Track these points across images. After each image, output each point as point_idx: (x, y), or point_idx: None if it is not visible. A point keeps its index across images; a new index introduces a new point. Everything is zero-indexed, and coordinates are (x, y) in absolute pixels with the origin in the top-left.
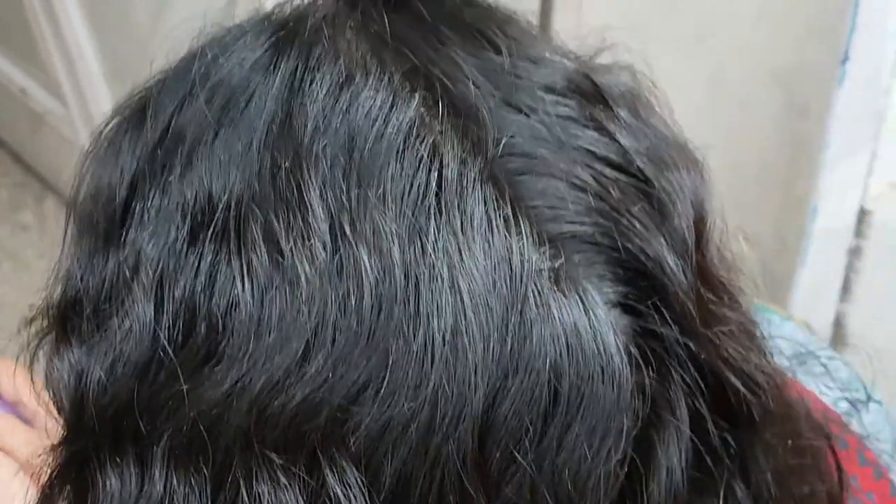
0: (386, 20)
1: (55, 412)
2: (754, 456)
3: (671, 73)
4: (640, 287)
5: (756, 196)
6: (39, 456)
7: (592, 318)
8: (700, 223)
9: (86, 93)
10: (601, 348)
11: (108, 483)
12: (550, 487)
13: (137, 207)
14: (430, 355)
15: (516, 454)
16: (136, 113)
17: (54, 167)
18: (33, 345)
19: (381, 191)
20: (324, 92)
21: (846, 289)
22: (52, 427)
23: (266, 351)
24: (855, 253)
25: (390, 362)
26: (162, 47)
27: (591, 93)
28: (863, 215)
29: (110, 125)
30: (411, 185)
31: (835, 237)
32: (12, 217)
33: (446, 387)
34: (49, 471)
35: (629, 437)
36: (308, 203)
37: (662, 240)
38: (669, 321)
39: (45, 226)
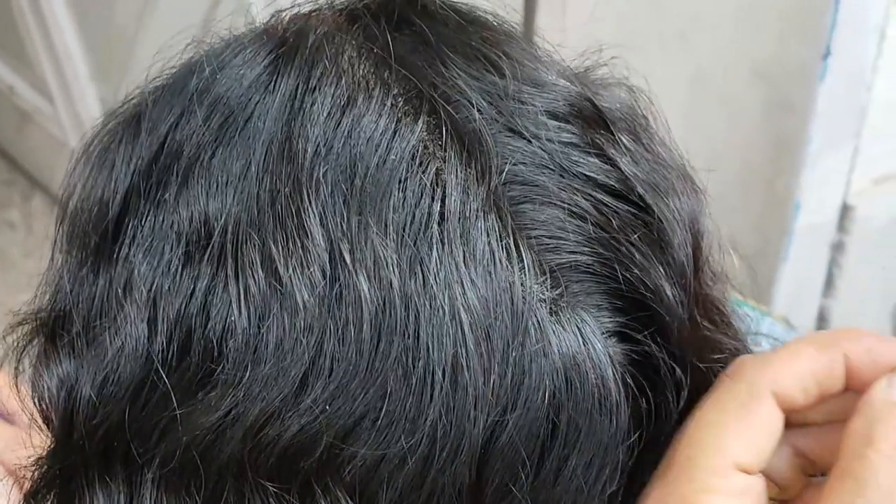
0: (389, 39)
1: (41, 422)
2: None
3: (654, 70)
4: (638, 317)
5: (739, 192)
6: (25, 461)
7: (591, 350)
8: (697, 248)
9: (72, 91)
10: (599, 381)
11: (95, 501)
12: None
13: (131, 224)
14: (429, 388)
15: (512, 487)
16: (130, 122)
17: (41, 164)
18: (18, 351)
19: (382, 219)
20: (325, 114)
21: (829, 284)
22: (35, 433)
23: (262, 379)
24: (837, 248)
25: (388, 394)
26: (145, 47)
27: (592, 117)
28: (845, 211)
29: (103, 131)
30: (413, 214)
31: (817, 233)
32: (0, 215)
33: (445, 420)
34: (35, 481)
35: (625, 469)
36: (308, 229)
37: (661, 269)
38: (666, 351)
39: (31, 224)
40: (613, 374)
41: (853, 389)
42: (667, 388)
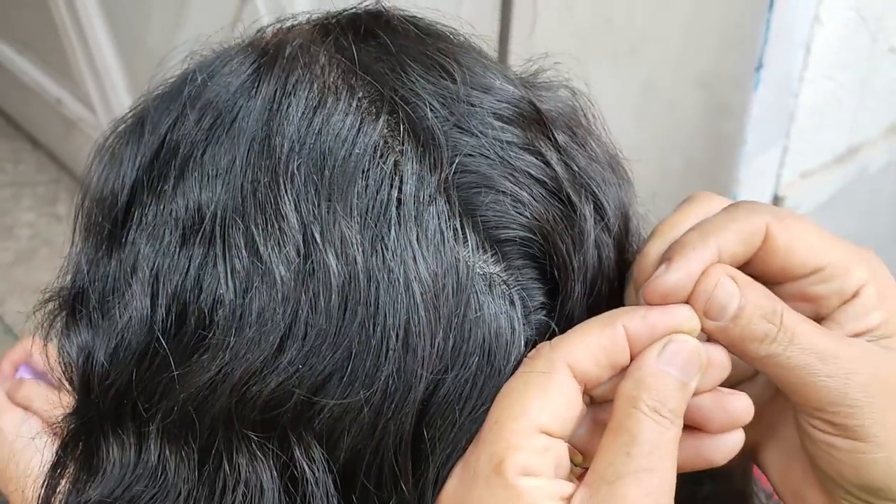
0: (354, 50)
1: (66, 384)
2: None
3: (609, 80)
4: (559, 291)
5: (683, 185)
6: (57, 420)
7: (515, 322)
8: (625, 227)
9: (111, 102)
10: (515, 348)
11: (111, 451)
12: None
13: (136, 212)
14: (385, 349)
15: (445, 434)
16: (135, 125)
17: (84, 166)
18: (46, 324)
19: (348, 204)
20: (299, 115)
21: None
22: (64, 394)
23: (246, 343)
24: None
25: (352, 354)
26: (173, 63)
27: (533, 119)
28: (776, 201)
29: (113, 134)
30: (375, 200)
31: None
32: (48, 209)
33: (396, 377)
34: (62, 435)
35: None
36: (284, 214)
37: (581, 259)
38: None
39: None
40: (526, 342)
41: None
42: None
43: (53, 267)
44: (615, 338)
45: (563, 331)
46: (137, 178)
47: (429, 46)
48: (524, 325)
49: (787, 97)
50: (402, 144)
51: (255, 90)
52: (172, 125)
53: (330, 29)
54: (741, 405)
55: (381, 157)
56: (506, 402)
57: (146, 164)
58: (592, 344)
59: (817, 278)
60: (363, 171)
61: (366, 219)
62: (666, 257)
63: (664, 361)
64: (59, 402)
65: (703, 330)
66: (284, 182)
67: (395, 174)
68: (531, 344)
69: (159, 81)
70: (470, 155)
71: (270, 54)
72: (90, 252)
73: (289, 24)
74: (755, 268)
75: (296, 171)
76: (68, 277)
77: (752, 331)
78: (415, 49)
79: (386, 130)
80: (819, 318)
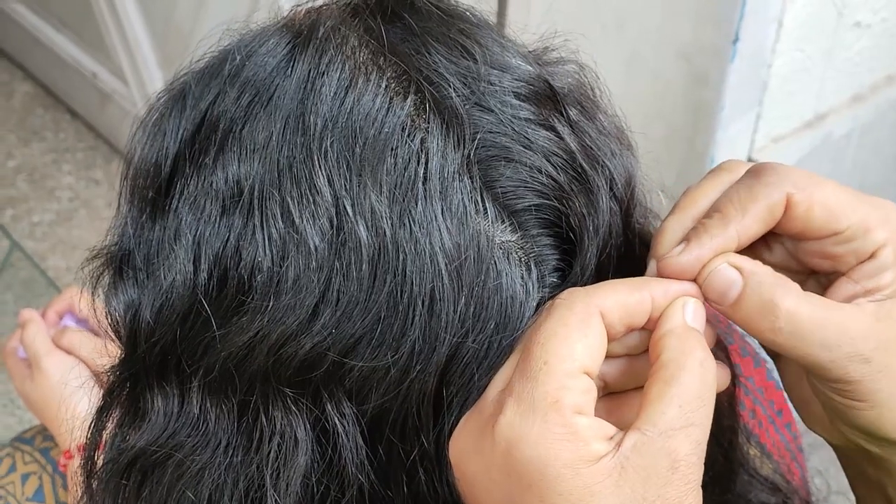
0: (382, 31)
1: (113, 336)
2: None
3: (597, 52)
4: (576, 254)
5: (665, 149)
6: (103, 367)
7: (531, 286)
8: (630, 191)
9: (143, 75)
10: (531, 309)
11: (155, 401)
12: None
13: (179, 183)
14: (411, 315)
15: (462, 390)
16: (177, 98)
17: (119, 135)
18: (93, 279)
19: (378, 179)
20: (331, 94)
21: None
22: (110, 344)
23: (283, 308)
24: None
25: (381, 319)
26: (200, 39)
27: (547, 96)
28: (750, 163)
29: (156, 106)
30: (403, 176)
31: None
32: (86, 173)
33: (421, 340)
34: (109, 382)
35: None
36: (318, 188)
37: (595, 222)
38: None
39: (112, 181)
40: (539, 303)
41: (648, 328)
42: None
43: (92, 226)
44: (643, 300)
45: None
46: (180, 151)
47: (451, 27)
48: (538, 288)
49: (761, 68)
50: (428, 123)
51: (290, 70)
52: (213, 101)
53: (359, 10)
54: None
55: (408, 135)
56: (552, 344)
57: (188, 136)
58: (622, 300)
59: (836, 240)
60: (392, 149)
61: (394, 193)
62: (686, 238)
63: (692, 320)
64: (101, 349)
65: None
66: (318, 158)
67: (422, 151)
68: (543, 304)
69: (198, 57)
70: (490, 132)
71: (304, 35)
72: (135, 217)
73: (320, 2)
74: (777, 229)
75: (329, 148)
76: (114, 238)
77: (752, 316)
78: (437, 30)
79: (412, 110)
80: (837, 274)
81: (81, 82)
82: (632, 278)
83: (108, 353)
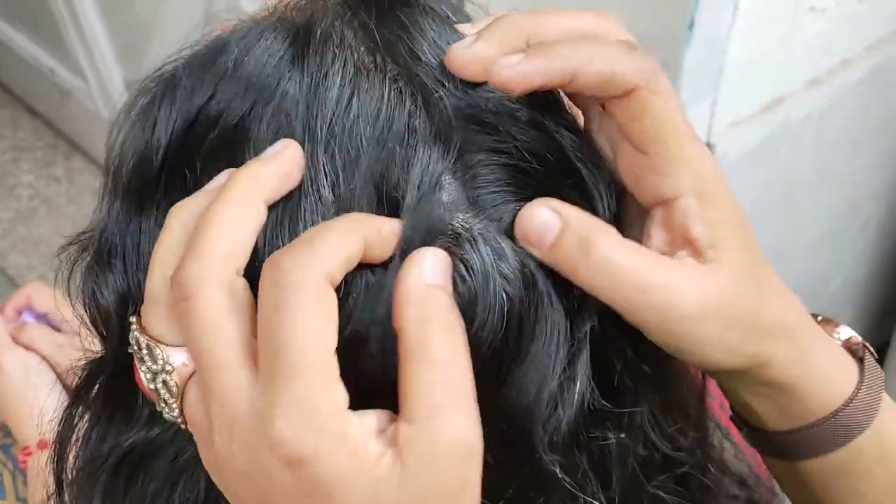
0: (377, 29)
1: (94, 329)
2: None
3: None
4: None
5: None
6: (76, 362)
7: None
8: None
9: (102, 71)
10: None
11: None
12: None
13: (169, 178)
14: None
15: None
16: (168, 88)
17: (79, 131)
18: (66, 269)
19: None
20: (335, 99)
21: None
22: (84, 335)
23: None
24: None
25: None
26: (161, 34)
27: (543, 97)
28: (708, 148)
29: (142, 92)
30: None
31: None
32: (46, 171)
33: None
34: (85, 377)
35: None
36: (322, 196)
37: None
38: None
39: (72, 178)
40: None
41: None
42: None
43: (53, 224)
44: (360, 248)
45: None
46: (170, 144)
47: (445, 24)
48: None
49: (717, 53)
50: (424, 129)
51: (290, 72)
52: (209, 98)
53: (352, 4)
54: None
55: (408, 144)
56: (299, 338)
57: (180, 131)
58: (343, 255)
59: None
60: (393, 154)
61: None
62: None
63: (435, 276)
64: (62, 344)
65: (530, 255)
66: (322, 160)
67: (414, 156)
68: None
69: (185, 45)
70: (477, 145)
71: (302, 35)
72: (119, 213)
73: None
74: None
75: (335, 153)
76: (98, 228)
77: (569, 257)
78: (432, 29)
79: (410, 118)
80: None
81: (40, 79)
82: (342, 219)
83: (79, 347)
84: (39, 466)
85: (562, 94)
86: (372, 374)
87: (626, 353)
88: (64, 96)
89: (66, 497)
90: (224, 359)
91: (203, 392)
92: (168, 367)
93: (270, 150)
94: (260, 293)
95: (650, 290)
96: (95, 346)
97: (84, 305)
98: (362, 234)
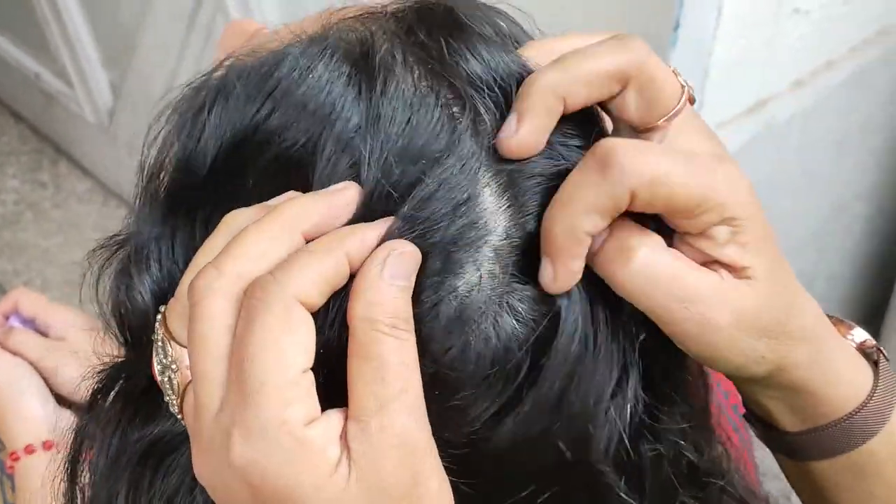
0: (435, 51)
1: (117, 329)
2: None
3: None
4: None
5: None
6: (96, 365)
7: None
8: None
9: (87, 76)
10: None
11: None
12: None
13: (216, 187)
14: None
15: None
16: (220, 95)
17: (64, 136)
18: (94, 273)
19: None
20: (394, 126)
21: None
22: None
23: None
24: None
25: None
26: (144, 39)
27: (589, 118)
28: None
29: (190, 96)
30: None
31: None
32: (31, 176)
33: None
34: (106, 378)
35: None
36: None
37: None
38: None
39: (58, 183)
40: None
41: None
42: None
43: (39, 229)
44: (340, 264)
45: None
46: (220, 152)
47: (498, 46)
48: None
49: (702, 55)
50: (482, 151)
51: (352, 99)
52: (267, 114)
53: (408, 22)
54: None
55: (470, 174)
56: (263, 359)
57: (231, 140)
58: (318, 275)
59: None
60: (447, 179)
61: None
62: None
63: (390, 275)
64: (49, 346)
65: None
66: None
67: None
68: None
69: (241, 52)
70: (532, 175)
71: (360, 60)
72: (159, 210)
73: (354, 10)
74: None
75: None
76: (131, 230)
77: (610, 259)
78: (486, 51)
79: (473, 149)
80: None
81: (24, 84)
82: (324, 238)
83: (66, 351)
84: (30, 470)
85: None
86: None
87: (668, 364)
88: (49, 101)
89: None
90: (210, 372)
91: (196, 402)
92: (174, 366)
93: (331, 189)
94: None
95: (690, 301)
96: (85, 347)
97: (114, 308)
98: (343, 250)
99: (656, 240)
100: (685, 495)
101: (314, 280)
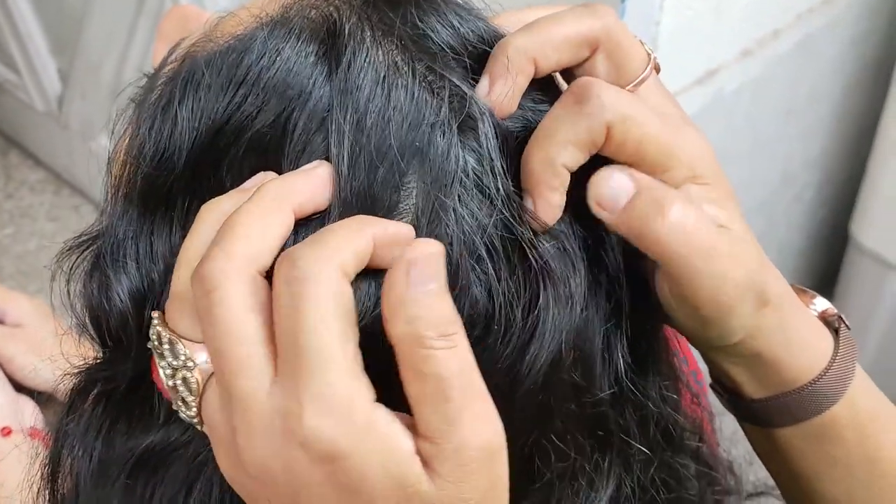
0: (402, 28)
1: (93, 331)
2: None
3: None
4: None
5: None
6: (67, 369)
7: None
8: None
9: (35, 64)
10: None
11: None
12: None
13: (192, 180)
14: None
15: None
16: (189, 86)
17: (14, 125)
18: (64, 275)
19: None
20: (366, 100)
21: None
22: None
23: None
24: None
25: None
26: (91, 25)
27: (549, 83)
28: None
29: (157, 86)
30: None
31: None
32: None
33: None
34: (79, 382)
35: None
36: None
37: None
38: None
39: (9, 173)
40: None
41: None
42: None
43: None
44: (368, 244)
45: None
46: (195, 145)
47: (467, 12)
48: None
49: (650, 25)
50: (452, 129)
51: (321, 77)
52: (239, 102)
53: (373, 1)
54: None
55: (442, 133)
56: (323, 329)
57: (205, 131)
58: (354, 251)
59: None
60: (432, 146)
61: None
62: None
63: (418, 282)
64: (5, 334)
65: (595, 221)
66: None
67: (456, 145)
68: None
69: (196, 39)
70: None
71: (327, 38)
72: (134, 207)
73: None
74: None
75: (364, 157)
76: (103, 229)
77: (641, 218)
78: (455, 17)
79: (445, 113)
80: None
81: None
82: (350, 219)
83: (21, 338)
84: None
85: (557, 76)
86: (386, 369)
87: (649, 328)
88: None
89: None
90: (246, 358)
91: (224, 395)
92: (190, 364)
93: (305, 167)
94: (274, 290)
95: (715, 257)
96: (41, 335)
97: (90, 309)
98: (370, 231)
99: (685, 194)
100: (667, 455)
101: (353, 253)
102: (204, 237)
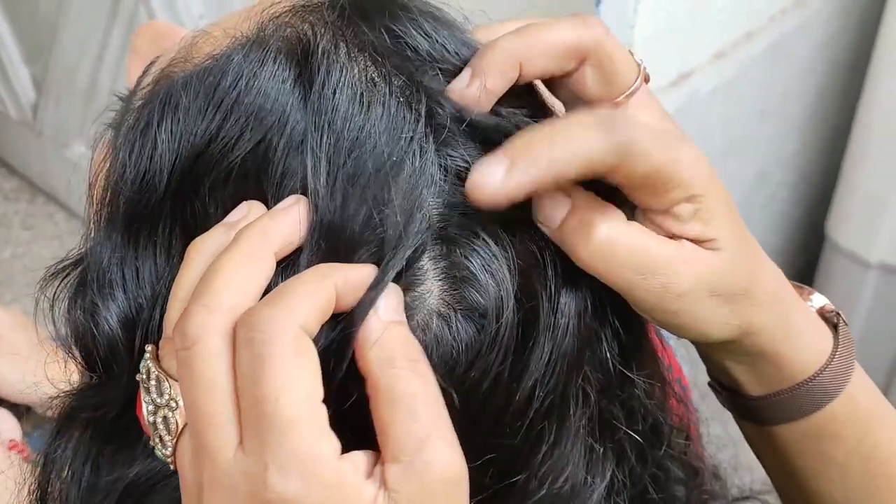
0: (378, 44)
1: (81, 357)
2: None
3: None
4: None
5: None
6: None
7: None
8: None
9: (8, 72)
10: None
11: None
12: None
13: (175, 206)
14: None
15: None
16: (167, 108)
17: None
18: (48, 301)
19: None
20: (343, 120)
21: None
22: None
23: None
24: None
25: None
26: (65, 33)
27: (527, 91)
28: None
29: (133, 108)
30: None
31: None
32: None
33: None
34: (65, 408)
35: None
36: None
37: None
38: None
39: None
40: None
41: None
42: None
43: None
44: (330, 295)
45: None
46: (175, 170)
47: (440, 22)
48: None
49: (625, 28)
50: (428, 143)
51: (298, 100)
52: (217, 126)
53: (346, 11)
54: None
55: (418, 149)
56: (287, 391)
57: (186, 156)
58: (315, 305)
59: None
60: (405, 163)
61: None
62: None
63: (389, 313)
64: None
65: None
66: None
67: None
68: None
69: (172, 58)
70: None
71: (302, 59)
72: (117, 234)
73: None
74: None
75: (344, 180)
76: (87, 255)
77: (572, 235)
78: (430, 41)
79: (421, 129)
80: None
81: None
82: (311, 270)
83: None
84: None
85: (540, 86)
86: (358, 417)
87: (633, 331)
88: None
89: None
90: (216, 415)
91: (195, 446)
92: (172, 404)
93: (281, 206)
94: (237, 353)
95: (650, 272)
96: (20, 346)
97: (78, 336)
98: (331, 281)
99: (617, 214)
100: (655, 452)
101: (312, 309)
102: (193, 276)
